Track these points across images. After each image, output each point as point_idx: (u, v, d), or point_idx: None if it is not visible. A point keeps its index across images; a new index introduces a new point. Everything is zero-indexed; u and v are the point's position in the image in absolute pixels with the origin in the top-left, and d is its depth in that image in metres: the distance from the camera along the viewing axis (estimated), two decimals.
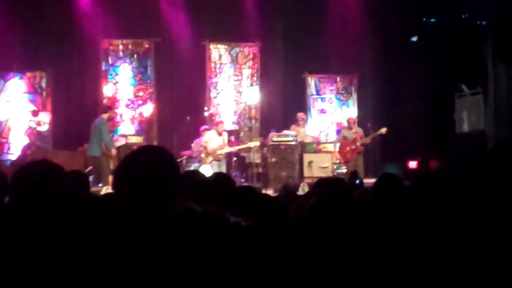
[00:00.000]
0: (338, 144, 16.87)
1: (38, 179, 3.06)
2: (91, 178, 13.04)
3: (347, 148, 16.34)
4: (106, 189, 11.81)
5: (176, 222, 1.26)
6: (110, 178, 12.92)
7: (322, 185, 5.18)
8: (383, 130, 16.32)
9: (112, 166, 13.92)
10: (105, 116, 14.80)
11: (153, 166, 2.83)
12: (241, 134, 17.65)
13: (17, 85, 17.53)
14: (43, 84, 17.68)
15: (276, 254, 1.30)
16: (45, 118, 17.51)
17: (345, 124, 17.62)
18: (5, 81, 17.47)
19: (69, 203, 2.51)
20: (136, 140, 16.55)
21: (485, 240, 2.07)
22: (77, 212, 2.35)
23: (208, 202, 3.98)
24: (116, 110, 17.27)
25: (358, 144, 16.29)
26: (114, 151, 14.40)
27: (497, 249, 2.03)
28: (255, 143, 16.16)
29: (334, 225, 2.54)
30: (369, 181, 14.06)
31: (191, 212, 1.29)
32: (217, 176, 5.44)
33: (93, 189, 11.56)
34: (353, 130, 16.62)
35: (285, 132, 16.40)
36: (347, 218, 2.57)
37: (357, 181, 13.10)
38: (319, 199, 2.70)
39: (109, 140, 14.46)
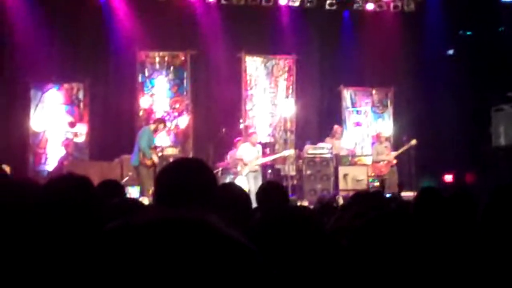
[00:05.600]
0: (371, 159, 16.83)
1: (63, 194, 3.12)
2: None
3: (380, 163, 16.27)
4: (143, 200, 11.69)
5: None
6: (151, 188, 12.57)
7: (360, 198, 5.18)
8: (413, 141, 16.25)
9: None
10: (152, 126, 14.69)
11: (191, 178, 2.75)
12: (276, 147, 17.67)
13: (54, 96, 17.69)
14: (80, 96, 17.82)
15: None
16: (82, 129, 17.66)
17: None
18: (43, 93, 17.60)
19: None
20: (172, 151, 16.58)
21: None
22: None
23: (247, 212, 4.01)
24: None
25: (390, 157, 16.21)
26: (151, 161, 13.86)
27: None
28: (290, 152, 16.10)
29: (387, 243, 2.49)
30: (405, 194, 14.01)
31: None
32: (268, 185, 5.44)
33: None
34: (384, 144, 16.60)
35: (320, 144, 16.38)
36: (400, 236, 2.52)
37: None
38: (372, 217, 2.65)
39: (146, 148, 13.89)
